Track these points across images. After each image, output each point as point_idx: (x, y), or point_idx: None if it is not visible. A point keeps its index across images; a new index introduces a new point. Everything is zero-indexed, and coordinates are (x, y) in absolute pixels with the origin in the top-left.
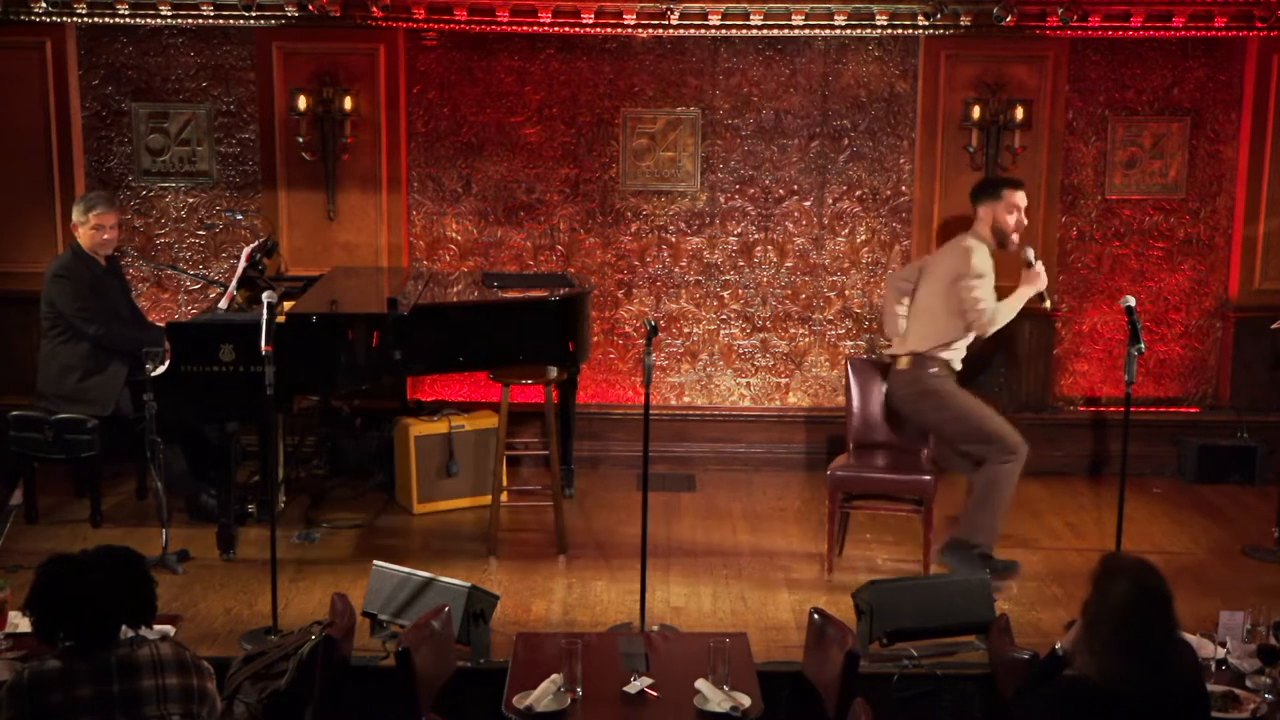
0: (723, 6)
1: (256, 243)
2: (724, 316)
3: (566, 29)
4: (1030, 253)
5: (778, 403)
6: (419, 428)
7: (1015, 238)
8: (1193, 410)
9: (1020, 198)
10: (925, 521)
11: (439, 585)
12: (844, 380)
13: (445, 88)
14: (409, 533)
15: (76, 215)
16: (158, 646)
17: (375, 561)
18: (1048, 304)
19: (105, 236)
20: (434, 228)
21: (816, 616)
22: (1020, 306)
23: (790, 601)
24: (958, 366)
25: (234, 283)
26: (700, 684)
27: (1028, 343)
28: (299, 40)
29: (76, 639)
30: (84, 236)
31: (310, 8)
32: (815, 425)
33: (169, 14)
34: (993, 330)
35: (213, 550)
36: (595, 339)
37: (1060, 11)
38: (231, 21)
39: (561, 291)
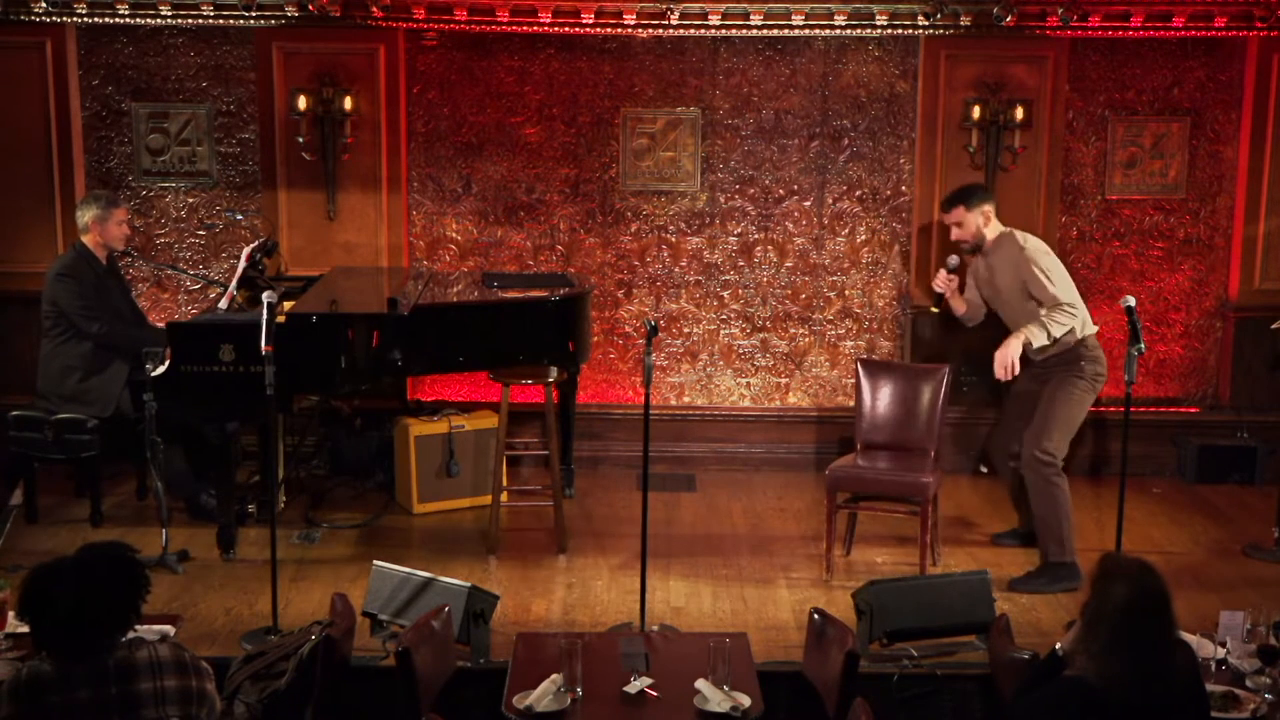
0: (723, 6)
1: (256, 243)
2: (724, 316)
3: (566, 29)
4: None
5: (778, 403)
6: (419, 428)
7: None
8: (1193, 410)
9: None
10: (924, 523)
11: (439, 585)
12: (847, 380)
13: (445, 88)
14: (409, 533)
15: (94, 213)
16: (156, 648)
17: (375, 561)
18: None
19: (129, 231)
20: (434, 228)
21: (816, 616)
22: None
23: (790, 601)
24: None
25: (234, 283)
26: (700, 684)
27: None
28: (299, 40)
29: (70, 646)
30: (106, 234)
31: (310, 8)
32: (815, 425)
33: (169, 14)
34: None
35: (213, 550)
36: (595, 339)
37: (1060, 11)
38: (231, 21)
39: (561, 291)
